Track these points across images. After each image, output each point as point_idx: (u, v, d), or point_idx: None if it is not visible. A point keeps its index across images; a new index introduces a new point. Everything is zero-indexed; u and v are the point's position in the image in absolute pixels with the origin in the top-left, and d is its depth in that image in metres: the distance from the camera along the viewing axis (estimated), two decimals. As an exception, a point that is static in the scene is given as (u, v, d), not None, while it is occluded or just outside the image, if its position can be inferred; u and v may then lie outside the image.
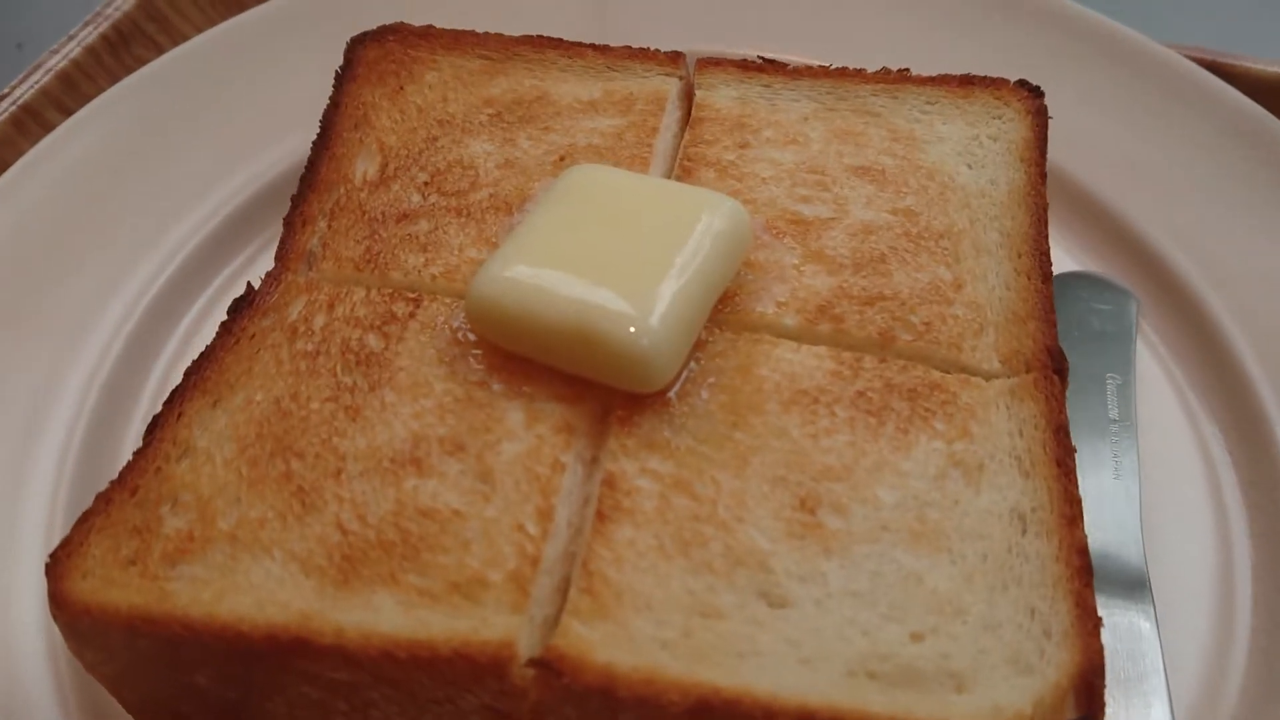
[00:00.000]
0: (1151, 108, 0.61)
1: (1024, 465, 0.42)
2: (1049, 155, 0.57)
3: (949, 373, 0.44)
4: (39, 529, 0.47)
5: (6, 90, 0.68)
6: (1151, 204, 0.59)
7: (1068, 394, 0.50)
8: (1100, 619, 0.37)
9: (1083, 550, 0.39)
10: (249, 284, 0.48)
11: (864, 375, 0.44)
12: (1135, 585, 0.45)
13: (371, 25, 0.61)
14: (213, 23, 0.76)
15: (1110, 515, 0.47)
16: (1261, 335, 0.54)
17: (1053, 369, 0.44)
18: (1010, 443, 0.42)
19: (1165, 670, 0.42)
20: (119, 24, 0.73)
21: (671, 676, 0.35)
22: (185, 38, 0.75)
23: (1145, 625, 0.43)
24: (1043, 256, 0.48)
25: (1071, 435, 0.45)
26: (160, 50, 0.74)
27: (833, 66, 0.56)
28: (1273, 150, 0.59)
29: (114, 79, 0.72)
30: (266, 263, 0.54)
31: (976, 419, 0.43)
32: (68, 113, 0.68)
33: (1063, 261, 0.59)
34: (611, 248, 0.44)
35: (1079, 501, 0.40)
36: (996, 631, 0.37)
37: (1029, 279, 0.48)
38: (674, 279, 0.42)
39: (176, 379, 0.48)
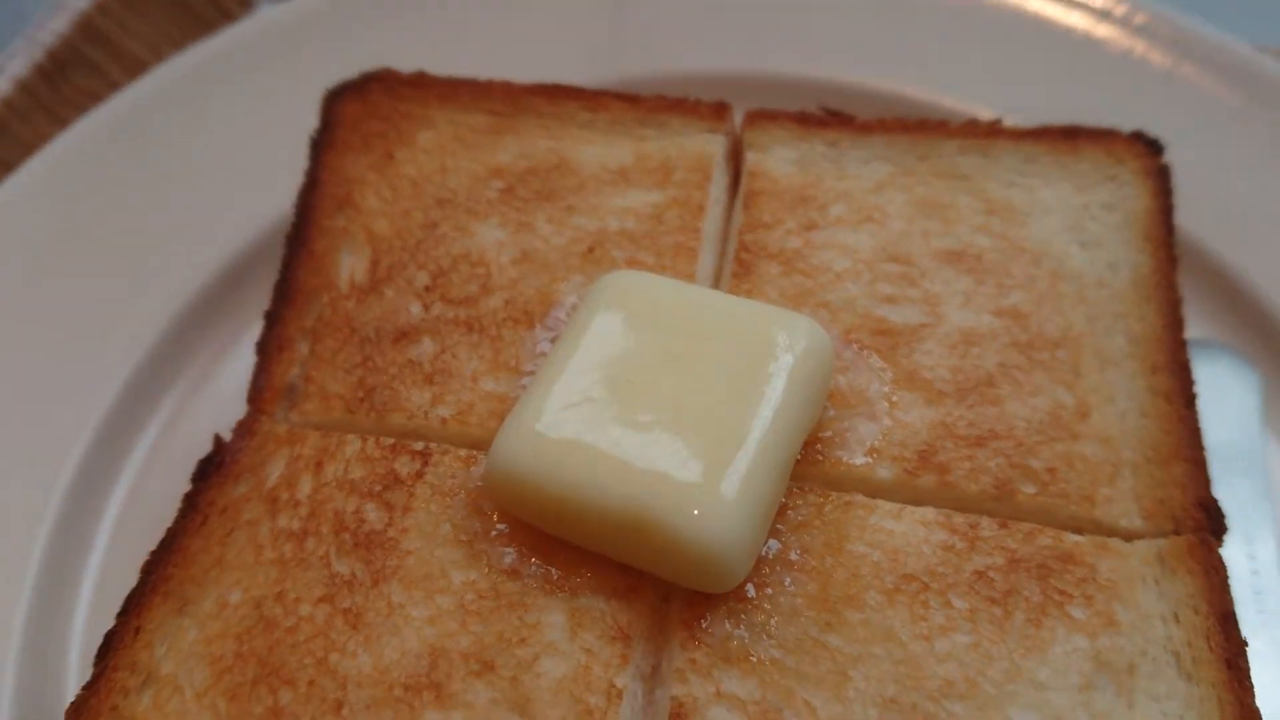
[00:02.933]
0: (1276, 143, 0.52)
1: (1184, 665, 0.34)
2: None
3: (1082, 534, 0.36)
4: None
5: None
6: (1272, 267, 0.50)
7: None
8: None
9: (1275, 795, 0.31)
10: (216, 438, 0.39)
11: (982, 547, 0.35)
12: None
13: (351, 57, 0.51)
14: (165, 38, 0.66)
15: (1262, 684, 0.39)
16: None
17: (1209, 529, 0.36)
18: (1165, 632, 0.34)
19: None
20: (54, 50, 0.63)
21: None
22: (135, 59, 0.65)
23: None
24: (1183, 371, 0.40)
25: None
26: (106, 78, 0.64)
27: (907, 119, 0.47)
28: None
29: (52, 117, 0.62)
30: (230, 377, 0.46)
31: (1121, 600, 0.35)
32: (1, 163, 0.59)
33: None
34: (666, 391, 0.35)
35: (1257, 714, 0.33)
36: None
37: (1169, 402, 0.39)
38: (748, 435, 0.34)
39: (122, 551, 0.40)
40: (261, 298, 0.44)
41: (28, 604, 0.39)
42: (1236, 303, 0.50)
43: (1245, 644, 0.34)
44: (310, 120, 0.49)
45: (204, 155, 0.52)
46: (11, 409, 0.44)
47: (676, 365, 0.36)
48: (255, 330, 0.42)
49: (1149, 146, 0.46)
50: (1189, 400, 0.39)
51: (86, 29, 0.64)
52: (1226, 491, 0.43)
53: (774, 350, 0.36)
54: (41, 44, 0.63)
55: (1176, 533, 0.36)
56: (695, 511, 0.33)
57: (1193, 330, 0.50)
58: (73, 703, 0.34)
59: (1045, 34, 0.54)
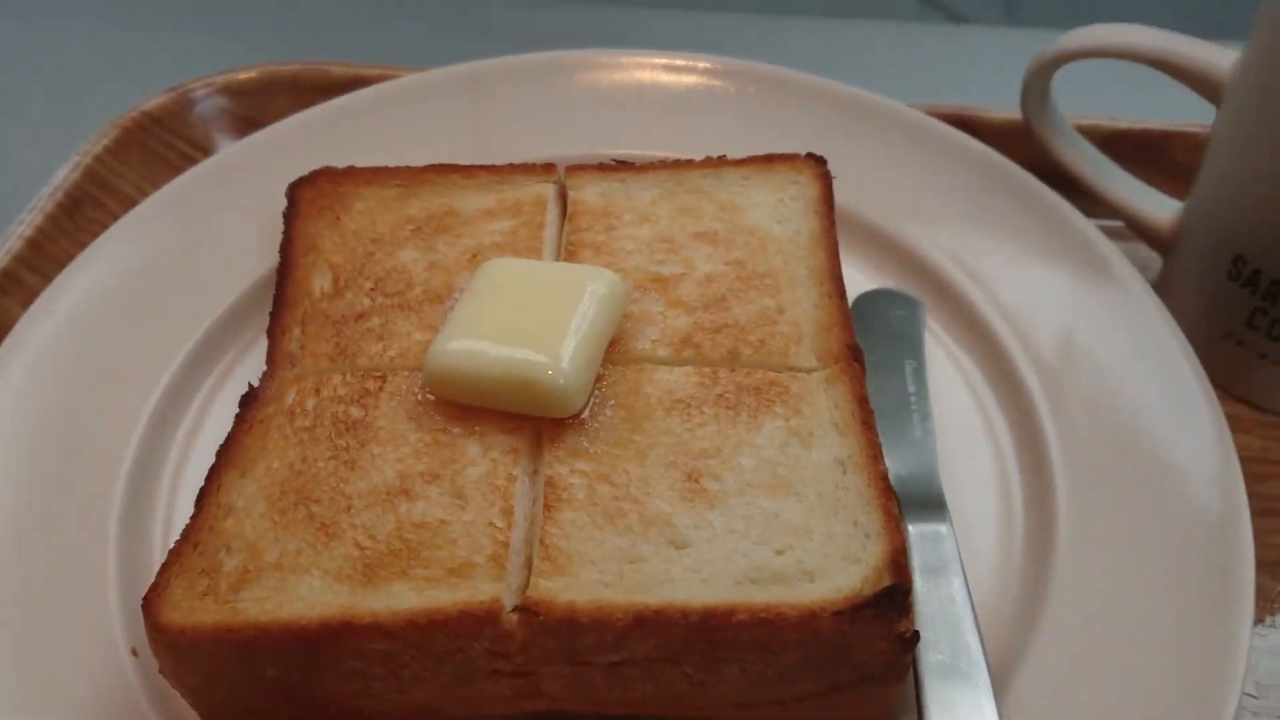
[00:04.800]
0: (917, 159, 0.80)
1: (840, 428, 0.58)
2: (852, 203, 0.76)
3: (781, 372, 0.61)
4: (112, 587, 0.59)
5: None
6: (928, 233, 0.78)
7: (877, 378, 0.68)
8: (900, 518, 0.54)
9: (884, 477, 0.56)
10: (250, 384, 0.62)
11: (721, 383, 0.60)
12: (936, 505, 0.62)
13: (291, 169, 0.76)
14: (147, 180, 0.90)
15: (915, 460, 0.64)
16: (1016, 322, 0.72)
17: (853, 359, 0.62)
18: (830, 414, 0.59)
19: (960, 557, 0.59)
20: (70, 191, 0.86)
21: (615, 603, 0.50)
22: (126, 196, 0.88)
23: (943, 529, 0.60)
24: (837, 281, 0.66)
25: (883, 406, 0.64)
26: (106, 210, 0.87)
27: (669, 159, 0.74)
28: (1007, 183, 0.78)
29: (72, 239, 0.84)
30: (247, 366, 0.69)
31: (805, 401, 0.60)
32: (40, 273, 0.81)
33: (867, 282, 0.77)
34: (526, 318, 0.59)
35: (879, 445, 0.57)
36: (834, 540, 0.53)
37: (830, 299, 0.65)
38: (575, 334, 0.58)
39: (190, 462, 0.63)
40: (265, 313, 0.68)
41: (126, 480, 0.63)
42: (904, 260, 0.77)
43: (873, 411, 0.59)
44: (270, 210, 0.74)
45: (210, 236, 0.75)
46: (115, 376, 0.68)
47: (531, 302, 0.60)
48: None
49: (817, 161, 0.73)
50: (842, 295, 0.65)
51: (92, 175, 0.88)
52: (894, 358, 0.70)
53: (589, 288, 0.61)
54: (61, 188, 0.86)
55: (836, 363, 0.62)
56: (549, 372, 0.56)
57: (876, 283, 0.78)
58: (186, 526, 0.55)
59: (755, 108, 0.83)
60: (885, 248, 0.79)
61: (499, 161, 0.80)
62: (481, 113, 0.86)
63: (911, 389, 0.69)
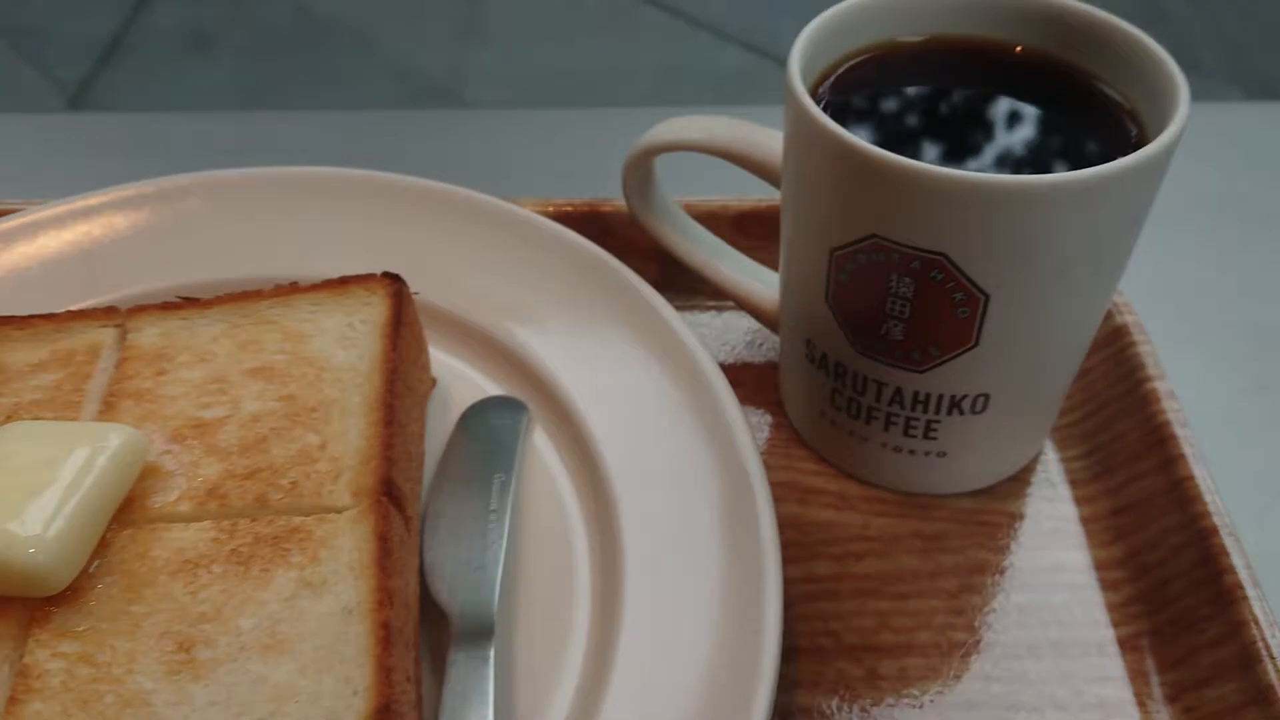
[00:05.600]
0: (524, 258, 0.80)
1: (356, 571, 0.57)
2: (459, 308, 0.76)
3: (310, 515, 0.59)
4: None
5: None
6: (535, 336, 0.77)
7: (465, 495, 0.67)
8: (392, 669, 0.52)
9: (385, 624, 0.54)
10: None
11: (239, 535, 0.58)
12: (484, 633, 0.60)
13: None
14: None
15: (474, 584, 0.63)
16: (606, 425, 0.72)
17: (384, 493, 0.60)
18: (349, 557, 0.57)
19: (493, 685, 0.57)
20: None
21: (59, 806, 0.47)
22: None
23: (488, 655, 0.59)
24: (388, 409, 0.64)
25: (461, 525, 0.63)
26: None
27: (238, 291, 0.72)
28: (608, 278, 0.78)
29: None
30: None
31: (327, 546, 0.58)
32: None
33: (480, 391, 0.77)
34: (22, 488, 0.56)
35: (389, 590, 0.56)
36: (320, 701, 0.51)
37: (377, 428, 0.63)
38: (69, 502, 0.55)
39: None
40: None
41: None
42: (514, 366, 0.76)
43: (392, 550, 0.58)
44: None
45: None
46: None
47: (29, 469, 0.57)
48: None
49: (394, 279, 0.72)
50: (389, 423, 0.63)
51: None
52: (484, 472, 0.69)
53: (99, 448, 0.58)
54: None
55: (369, 499, 0.60)
56: (29, 550, 0.53)
57: (487, 392, 0.77)
58: None
59: (357, 217, 0.82)
60: (497, 353, 0.78)
61: (111, 299, 0.78)
62: (94, 248, 0.83)
63: (494, 505, 0.68)
